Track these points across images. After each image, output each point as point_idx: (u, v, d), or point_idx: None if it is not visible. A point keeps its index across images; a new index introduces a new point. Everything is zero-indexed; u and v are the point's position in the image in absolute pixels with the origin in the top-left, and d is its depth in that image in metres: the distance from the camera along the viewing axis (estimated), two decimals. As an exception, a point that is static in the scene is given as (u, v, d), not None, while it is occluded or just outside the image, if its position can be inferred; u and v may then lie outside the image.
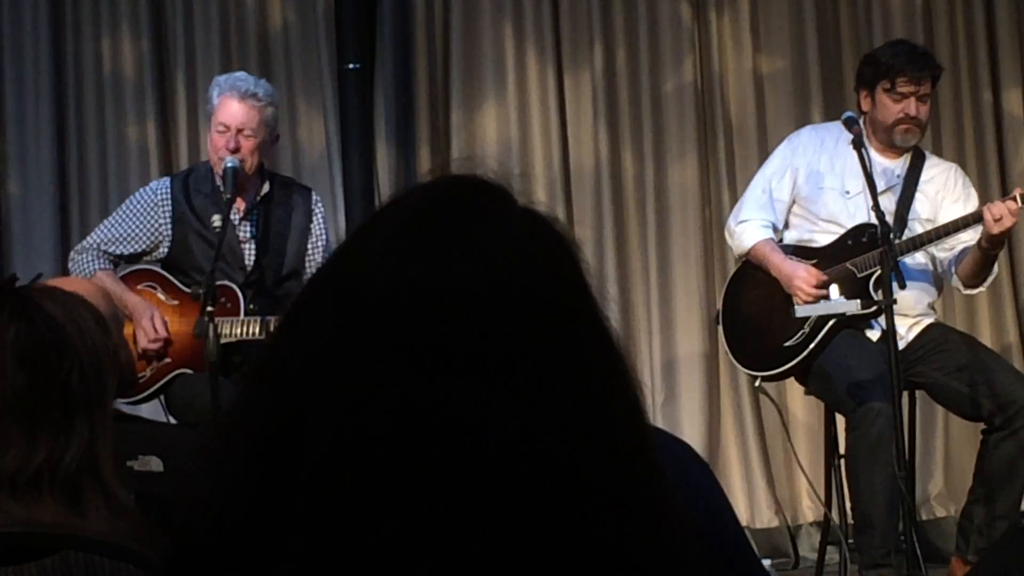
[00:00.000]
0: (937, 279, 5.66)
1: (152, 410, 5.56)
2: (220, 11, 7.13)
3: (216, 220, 5.36)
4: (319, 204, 5.66)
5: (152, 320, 5.39)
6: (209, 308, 5.05)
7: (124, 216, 5.58)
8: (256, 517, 1.15)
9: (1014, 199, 5.26)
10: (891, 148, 5.60)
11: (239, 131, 5.42)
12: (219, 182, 5.47)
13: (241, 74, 5.65)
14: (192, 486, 1.23)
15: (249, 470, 1.17)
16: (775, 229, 5.66)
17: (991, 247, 5.35)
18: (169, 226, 5.53)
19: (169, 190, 5.57)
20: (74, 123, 7.12)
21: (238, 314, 5.35)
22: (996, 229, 5.23)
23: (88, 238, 5.67)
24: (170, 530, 1.29)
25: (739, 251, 5.68)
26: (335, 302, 1.19)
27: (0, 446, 2.03)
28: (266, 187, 5.56)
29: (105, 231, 5.58)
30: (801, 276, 5.45)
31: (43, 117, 7.07)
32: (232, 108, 5.44)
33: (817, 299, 5.41)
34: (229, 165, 5.34)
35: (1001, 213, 5.22)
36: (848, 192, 5.56)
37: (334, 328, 1.17)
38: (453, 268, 1.17)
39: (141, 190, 5.69)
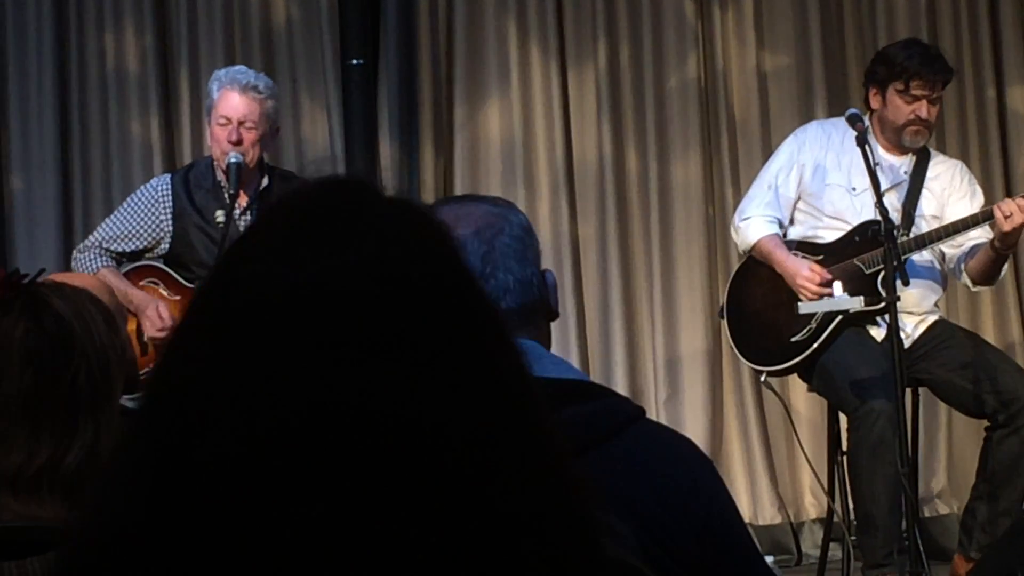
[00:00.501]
0: (943, 277, 5.66)
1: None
2: (224, 6, 7.13)
3: (219, 216, 5.37)
4: None
5: (158, 310, 5.41)
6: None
7: (125, 214, 5.58)
8: (144, 547, 1.15)
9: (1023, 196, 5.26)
10: (898, 146, 5.60)
11: (240, 123, 5.42)
12: (220, 177, 5.47)
13: (241, 68, 5.65)
14: (82, 521, 1.24)
15: (135, 499, 1.17)
16: (780, 225, 5.66)
17: (1004, 247, 5.34)
18: (170, 222, 5.53)
19: (170, 186, 5.57)
20: (77, 118, 7.12)
21: None
22: (1008, 226, 5.22)
23: (90, 237, 5.68)
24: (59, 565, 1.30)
25: (744, 246, 5.68)
26: (212, 313, 1.20)
27: (4, 445, 2.03)
28: (265, 180, 5.56)
29: (107, 229, 5.59)
30: (805, 275, 5.45)
31: (46, 112, 7.07)
32: (233, 101, 5.44)
33: (821, 296, 5.41)
34: (233, 161, 5.35)
35: (1011, 210, 5.21)
36: (855, 189, 5.55)
37: (212, 338, 1.18)
38: (322, 262, 1.18)
39: (142, 188, 5.69)
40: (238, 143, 5.40)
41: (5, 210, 7.07)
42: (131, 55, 7.12)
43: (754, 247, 5.62)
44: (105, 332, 2.12)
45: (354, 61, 6.99)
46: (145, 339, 5.42)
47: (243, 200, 5.50)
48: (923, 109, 5.47)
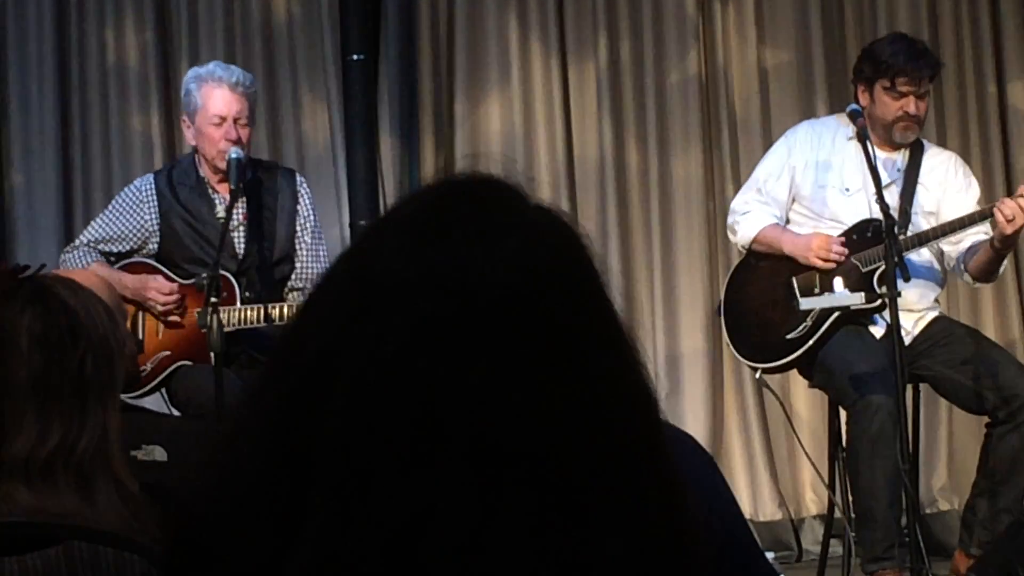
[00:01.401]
0: (942, 274, 5.65)
1: (154, 404, 5.55)
2: (224, 2, 7.14)
3: (220, 212, 5.38)
4: (304, 185, 5.64)
5: (157, 282, 5.40)
6: (213, 299, 5.05)
7: (111, 216, 5.57)
8: (268, 499, 1.17)
9: (1023, 195, 5.25)
10: (890, 143, 5.60)
11: (236, 120, 5.43)
12: (204, 173, 5.49)
13: (218, 64, 5.63)
14: (198, 473, 1.25)
15: (262, 452, 1.19)
16: (778, 220, 5.65)
17: (1004, 247, 5.34)
18: (157, 221, 5.52)
19: (154, 186, 5.56)
20: (78, 114, 7.12)
21: (234, 303, 5.34)
22: (1010, 229, 5.22)
23: (78, 238, 5.67)
24: (172, 519, 1.31)
25: (744, 241, 5.66)
26: (353, 286, 1.21)
27: (13, 428, 2.03)
28: (249, 173, 5.55)
29: (94, 231, 5.58)
30: (816, 243, 5.43)
31: (47, 107, 7.07)
32: (225, 98, 5.44)
33: (841, 258, 5.39)
34: (234, 156, 5.35)
35: (1013, 212, 5.20)
36: (848, 189, 5.55)
37: (352, 310, 1.19)
38: (468, 255, 1.19)
39: (125, 189, 5.68)
40: (238, 140, 5.40)
41: (6, 205, 7.08)
42: (132, 50, 7.12)
43: (756, 238, 5.60)
44: (108, 323, 2.13)
45: (355, 56, 6.99)
46: (144, 325, 5.41)
47: (228, 190, 5.48)
48: (911, 105, 5.47)
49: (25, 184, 7.06)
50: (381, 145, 7.11)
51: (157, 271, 5.49)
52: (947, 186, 5.61)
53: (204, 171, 5.51)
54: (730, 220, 5.73)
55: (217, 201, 5.49)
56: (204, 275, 5.24)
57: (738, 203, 5.72)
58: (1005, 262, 5.56)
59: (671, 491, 1.22)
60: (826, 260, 5.41)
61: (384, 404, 1.16)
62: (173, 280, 5.45)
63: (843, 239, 5.43)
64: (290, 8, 7.18)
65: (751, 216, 5.63)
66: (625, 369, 1.23)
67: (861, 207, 5.50)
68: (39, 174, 7.05)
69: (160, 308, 5.39)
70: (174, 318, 5.43)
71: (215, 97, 5.44)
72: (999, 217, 5.22)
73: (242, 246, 5.48)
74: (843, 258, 5.41)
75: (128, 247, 5.54)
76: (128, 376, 2.25)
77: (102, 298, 2.20)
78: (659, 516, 1.19)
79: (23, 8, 7.06)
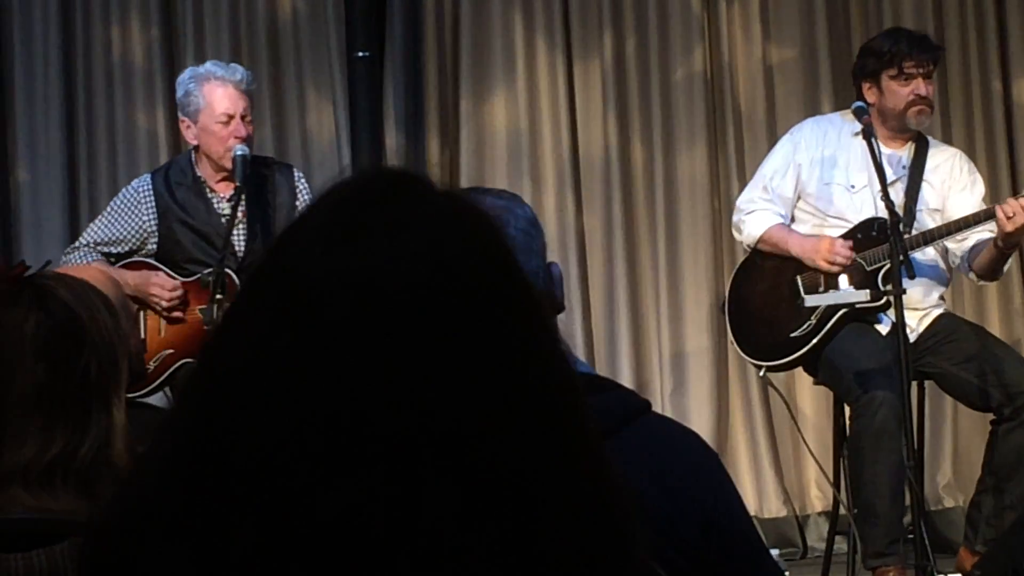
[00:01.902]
0: (946, 272, 5.64)
1: (158, 401, 5.55)
2: (230, -1, 7.14)
3: (225, 208, 5.38)
4: (302, 180, 5.64)
5: (160, 280, 5.40)
6: (219, 296, 5.05)
7: (110, 218, 5.56)
8: (188, 515, 1.18)
9: None
10: (900, 134, 5.58)
11: (243, 118, 5.43)
12: (201, 173, 5.48)
13: (217, 63, 5.63)
14: (130, 480, 1.27)
15: (182, 467, 1.19)
16: (783, 219, 5.64)
17: (1007, 245, 5.34)
18: (155, 222, 5.51)
19: (151, 186, 5.55)
20: (83, 111, 7.12)
21: None
22: (1010, 227, 5.22)
23: (78, 239, 5.66)
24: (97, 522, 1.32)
25: (749, 240, 5.65)
26: (267, 294, 1.22)
27: (18, 439, 2.03)
28: (248, 170, 5.55)
29: (93, 233, 5.57)
30: (824, 245, 5.43)
31: (52, 104, 7.07)
32: (231, 96, 5.44)
33: (848, 261, 5.39)
34: (239, 153, 5.34)
35: (1014, 210, 5.20)
36: (853, 187, 5.54)
37: (266, 318, 1.20)
38: (374, 252, 1.20)
39: (123, 190, 5.67)
40: (246, 137, 5.41)
41: (11, 202, 7.08)
42: (137, 48, 7.12)
43: (762, 238, 5.59)
44: (109, 321, 2.12)
45: (360, 54, 6.99)
46: (146, 323, 5.41)
47: (229, 189, 5.48)
48: (921, 87, 5.47)
49: (30, 181, 7.06)
50: (386, 142, 7.11)
51: (158, 269, 5.48)
52: (951, 184, 5.61)
53: (202, 170, 5.51)
54: (735, 218, 5.73)
55: (215, 201, 5.49)
56: (208, 271, 5.24)
57: (743, 201, 5.71)
58: (1010, 260, 5.55)
59: (598, 473, 1.22)
60: (832, 264, 5.40)
61: (300, 410, 1.16)
62: (175, 278, 5.45)
63: (851, 241, 5.43)
64: (295, 5, 7.18)
65: (756, 215, 5.62)
66: (540, 353, 1.23)
67: (867, 204, 5.50)
68: (44, 171, 7.05)
69: (163, 304, 5.39)
70: (177, 314, 5.43)
71: (221, 95, 5.44)
72: (1000, 215, 5.22)
73: (242, 244, 5.48)
74: (849, 261, 5.40)
75: (127, 248, 5.54)
76: (133, 373, 2.24)
77: (107, 295, 2.19)
78: (586, 498, 1.20)
79: (28, 5, 7.06)
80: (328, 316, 1.18)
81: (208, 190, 5.50)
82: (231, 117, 5.42)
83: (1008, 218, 5.20)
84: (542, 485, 1.18)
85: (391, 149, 7.10)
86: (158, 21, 7.10)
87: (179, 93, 5.57)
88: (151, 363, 5.38)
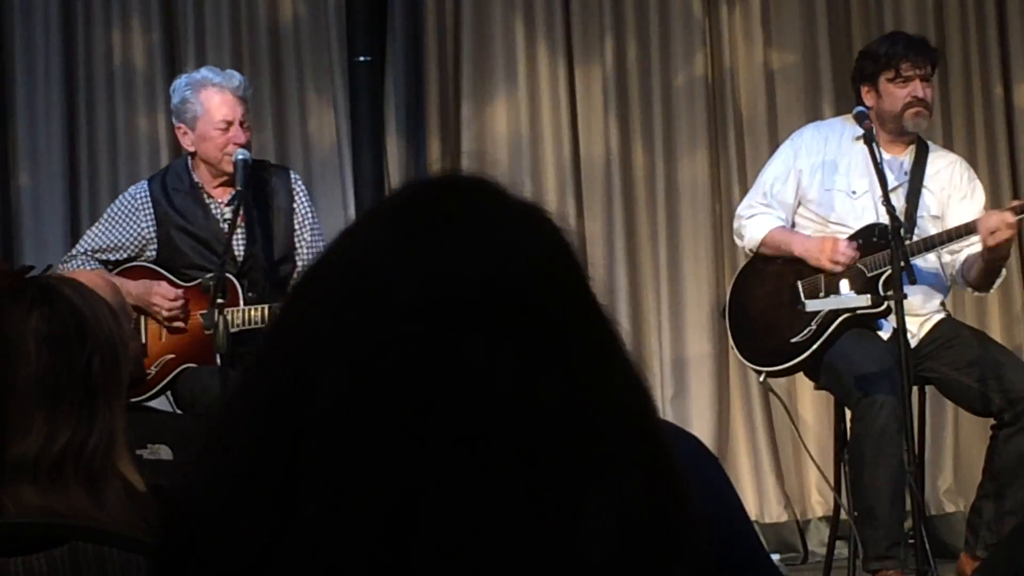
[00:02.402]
0: (947, 279, 5.64)
1: (160, 405, 5.55)
2: (231, 3, 7.14)
3: (227, 212, 5.39)
4: (299, 182, 5.64)
5: (161, 289, 5.40)
6: (220, 300, 5.05)
7: (107, 225, 5.55)
8: (259, 491, 1.19)
9: (1012, 210, 5.24)
10: (900, 138, 5.58)
11: (241, 123, 5.44)
12: (198, 179, 5.49)
13: (211, 69, 5.63)
14: (191, 468, 1.27)
15: (252, 444, 1.21)
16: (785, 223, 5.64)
17: (992, 258, 5.33)
18: (153, 229, 5.51)
19: (148, 193, 5.55)
20: (85, 115, 7.12)
21: (238, 304, 5.34)
22: (992, 242, 5.22)
23: (75, 247, 5.65)
24: (165, 514, 1.33)
25: (751, 244, 5.65)
26: (337, 277, 1.24)
27: (22, 428, 2.03)
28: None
29: (91, 241, 5.56)
30: (828, 244, 5.42)
31: (54, 108, 7.07)
32: (229, 103, 5.44)
33: (851, 261, 5.39)
34: (240, 158, 5.34)
35: (996, 225, 5.20)
36: (854, 192, 5.54)
37: (337, 301, 1.22)
38: (452, 248, 1.22)
39: (120, 197, 5.67)
40: (245, 144, 5.41)
41: (12, 206, 7.08)
42: (138, 52, 7.13)
43: (763, 241, 5.59)
44: (112, 322, 2.13)
45: (361, 58, 6.99)
46: (147, 329, 5.40)
47: (226, 194, 5.48)
48: (918, 89, 5.47)
49: (31, 186, 7.07)
50: (387, 147, 7.11)
51: (158, 275, 5.48)
52: (951, 192, 5.60)
53: (199, 176, 5.51)
54: (736, 224, 5.73)
55: (212, 206, 5.49)
56: (208, 275, 5.24)
57: (743, 208, 5.72)
58: (1003, 271, 5.52)
59: (665, 482, 1.24)
60: (836, 262, 5.40)
61: (371, 391, 1.18)
62: (177, 285, 5.45)
63: (855, 243, 5.42)
64: (297, 10, 7.19)
65: (757, 219, 5.62)
66: (611, 359, 1.25)
67: (868, 210, 5.49)
68: (45, 176, 7.05)
69: (165, 314, 5.39)
70: (178, 324, 5.42)
71: (219, 102, 5.44)
72: (982, 230, 5.22)
73: (242, 248, 5.48)
74: (852, 261, 5.40)
75: (125, 255, 5.53)
76: (133, 378, 2.25)
77: (107, 299, 2.20)
78: (648, 506, 1.21)
79: (29, 9, 7.06)
80: (399, 303, 1.19)
81: (206, 196, 5.50)
82: (230, 123, 5.43)
83: (990, 232, 5.20)
84: (601, 487, 1.19)
85: (392, 154, 7.11)
86: (159, 26, 7.11)
87: (175, 100, 5.56)
88: (152, 368, 5.38)
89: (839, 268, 5.40)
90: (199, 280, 5.38)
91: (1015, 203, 5.33)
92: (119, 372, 2.11)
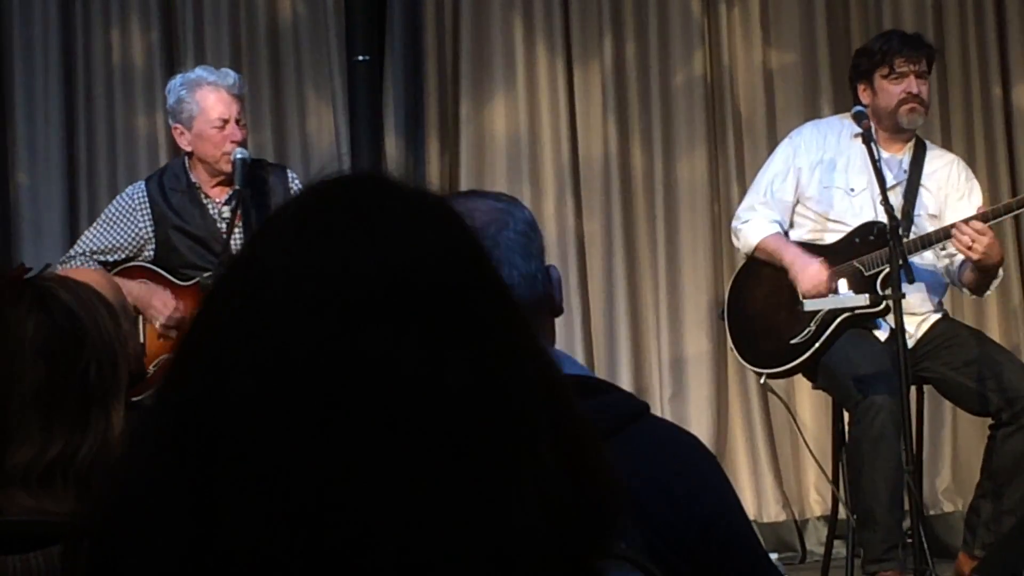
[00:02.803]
0: (945, 277, 5.64)
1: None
2: (229, 2, 7.14)
3: (225, 212, 5.39)
4: (296, 181, 5.64)
5: (162, 297, 5.40)
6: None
7: (105, 226, 5.55)
8: (175, 493, 1.20)
9: (979, 218, 5.24)
10: (897, 136, 5.58)
11: (237, 121, 5.44)
12: (195, 178, 5.48)
13: (207, 68, 5.63)
14: (115, 473, 1.29)
15: (167, 445, 1.22)
16: (780, 227, 5.64)
17: (980, 268, 5.32)
18: (151, 229, 5.51)
19: (146, 193, 5.54)
20: (83, 114, 7.12)
21: None
22: (973, 256, 5.23)
23: (73, 248, 5.64)
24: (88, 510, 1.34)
25: (746, 248, 5.66)
26: (242, 281, 1.25)
27: (17, 439, 2.03)
28: None
29: (88, 242, 5.55)
30: (813, 271, 5.43)
31: (52, 108, 7.07)
32: (224, 101, 5.44)
33: (822, 292, 5.40)
34: (239, 156, 5.35)
35: (970, 238, 5.20)
36: (853, 190, 5.54)
37: (242, 302, 1.23)
38: (350, 241, 1.24)
39: (118, 197, 5.66)
40: (241, 141, 5.41)
41: (11, 206, 7.08)
42: (137, 51, 7.13)
43: (758, 247, 5.60)
44: (110, 324, 2.12)
45: (360, 57, 6.99)
46: (146, 329, 5.40)
47: (223, 194, 5.48)
48: (912, 84, 5.47)
49: (30, 184, 7.06)
50: (386, 146, 7.11)
51: (158, 276, 5.48)
52: (949, 191, 5.61)
53: (196, 176, 5.51)
54: (734, 224, 5.74)
55: (210, 206, 5.49)
56: (207, 275, 5.24)
57: (741, 211, 5.73)
58: (1001, 273, 5.51)
59: (583, 460, 1.24)
60: (807, 288, 5.41)
61: (277, 388, 1.19)
62: (176, 285, 5.44)
63: (832, 285, 5.42)
64: (295, 9, 7.19)
65: (753, 223, 5.62)
66: (517, 345, 1.25)
67: (866, 207, 5.49)
68: (44, 175, 7.05)
69: (162, 320, 5.38)
70: (173, 332, 5.42)
71: (214, 101, 5.44)
72: (958, 246, 5.23)
73: (238, 246, 5.48)
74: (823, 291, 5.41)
75: (124, 256, 5.52)
76: (133, 376, 2.24)
77: (107, 297, 2.19)
78: (567, 485, 1.21)
79: (28, 8, 7.06)
80: (301, 298, 1.21)
81: (203, 196, 5.50)
82: (226, 121, 5.43)
83: (967, 248, 5.20)
84: (517, 473, 1.19)
85: (391, 153, 7.11)
86: (158, 25, 7.11)
87: (170, 100, 5.56)
88: (151, 367, 5.38)
89: (812, 294, 5.40)
90: (197, 279, 5.38)
91: (979, 211, 5.32)
92: (117, 377, 2.10)
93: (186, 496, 1.18)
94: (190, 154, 5.52)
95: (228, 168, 5.39)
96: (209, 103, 5.44)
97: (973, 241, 5.19)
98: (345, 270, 1.21)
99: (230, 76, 5.52)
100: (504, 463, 1.19)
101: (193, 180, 5.51)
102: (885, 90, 5.49)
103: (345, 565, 1.16)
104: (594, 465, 1.25)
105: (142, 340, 5.41)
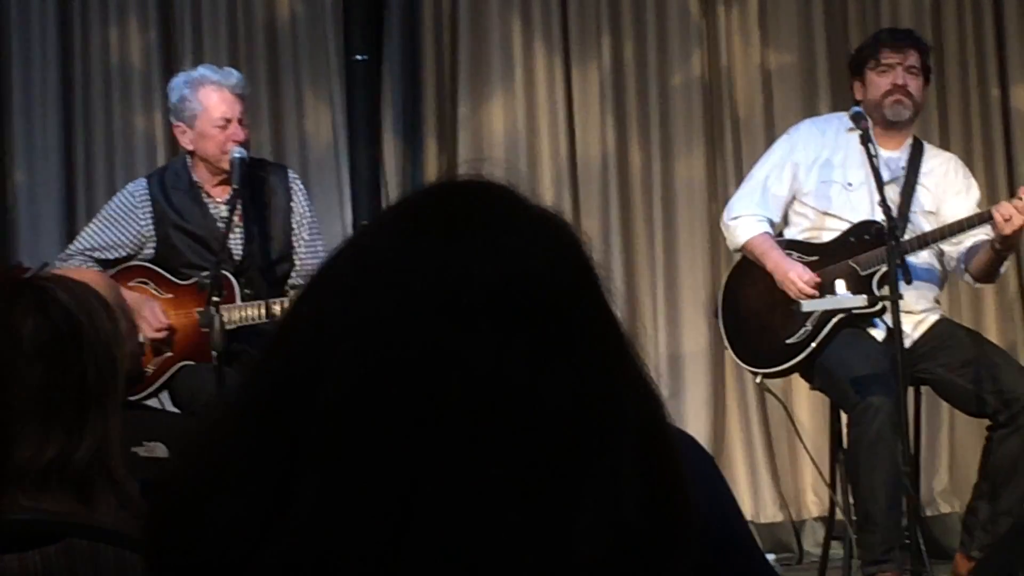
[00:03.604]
0: (940, 275, 5.64)
1: (156, 406, 5.55)
2: (228, 1, 7.14)
3: (216, 215, 5.39)
4: (296, 181, 5.64)
5: (153, 310, 5.38)
6: (215, 298, 5.05)
7: (105, 223, 5.53)
8: (256, 476, 1.20)
9: (1020, 198, 5.25)
10: (890, 131, 5.57)
11: (239, 121, 5.44)
12: (197, 177, 5.47)
13: (209, 67, 5.62)
14: (188, 456, 1.28)
15: (253, 428, 1.22)
16: (771, 224, 5.64)
17: (1004, 248, 5.34)
18: (152, 227, 5.50)
19: (147, 190, 5.53)
20: (81, 113, 7.12)
21: (234, 301, 5.33)
22: (1008, 229, 5.22)
23: (72, 245, 5.62)
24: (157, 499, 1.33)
25: (734, 246, 5.67)
26: (349, 271, 1.25)
27: (15, 441, 2.02)
28: None
29: (87, 239, 5.53)
30: (797, 272, 5.43)
31: (50, 107, 7.07)
32: (227, 100, 5.44)
33: (808, 297, 5.40)
34: (238, 156, 5.34)
35: (1010, 213, 5.21)
36: (851, 184, 5.55)
37: (346, 292, 1.23)
38: (465, 247, 1.24)
39: (118, 194, 5.65)
40: (243, 141, 5.41)
41: (8, 204, 7.07)
42: (135, 50, 7.12)
43: (744, 247, 5.60)
44: (108, 325, 2.12)
45: (358, 57, 6.99)
46: (141, 339, 5.40)
47: (225, 193, 5.47)
48: (899, 76, 5.49)
49: (28, 183, 7.06)
50: (384, 145, 7.11)
51: (157, 275, 5.47)
52: (946, 188, 5.61)
53: (198, 175, 5.50)
54: (724, 217, 5.73)
55: (211, 206, 5.48)
56: (205, 274, 5.24)
57: (731, 207, 5.72)
58: (1007, 263, 5.55)
59: (666, 491, 1.25)
60: (795, 294, 5.41)
61: (376, 384, 1.18)
62: (175, 285, 5.44)
63: (819, 280, 5.41)
64: (294, 8, 7.19)
65: (743, 221, 5.62)
66: (619, 367, 1.25)
67: (863, 203, 5.49)
68: (42, 173, 7.05)
69: (149, 334, 5.35)
70: (172, 321, 5.41)
71: (217, 100, 5.44)
72: (997, 218, 5.22)
73: (240, 247, 5.47)
74: (816, 292, 5.41)
75: (123, 254, 5.51)
76: (131, 375, 2.24)
77: (106, 297, 2.19)
78: (645, 513, 1.22)
79: (26, 7, 7.06)
80: (407, 294, 1.20)
81: (204, 195, 5.49)
82: (228, 121, 5.42)
83: (1005, 220, 5.20)
84: (606, 490, 1.20)
85: (388, 153, 7.11)
86: (156, 24, 7.10)
87: (172, 98, 5.55)
88: (150, 366, 5.38)
89: (800, 297, 5.40)
90: (195, 279, 5.38)
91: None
92: (115, 378, 2.10)
93: (267, 480, 1.18)
94: (192, 153, 5.52)
95: (228, 167, 5.38)
96: (212, 102, 5.43)
97: (1011, 216, 5.19)
98: (460, 273, 1.21)
99: (233, 76, 5.52)
100: (585, 485, 1.19)
101: (195, 179, 5.50)
102: (873, 82, 5.52)
103: (411, 568, 1.16)
104: (672, 488, 1.26)
105: (141, 340, 5.40)
